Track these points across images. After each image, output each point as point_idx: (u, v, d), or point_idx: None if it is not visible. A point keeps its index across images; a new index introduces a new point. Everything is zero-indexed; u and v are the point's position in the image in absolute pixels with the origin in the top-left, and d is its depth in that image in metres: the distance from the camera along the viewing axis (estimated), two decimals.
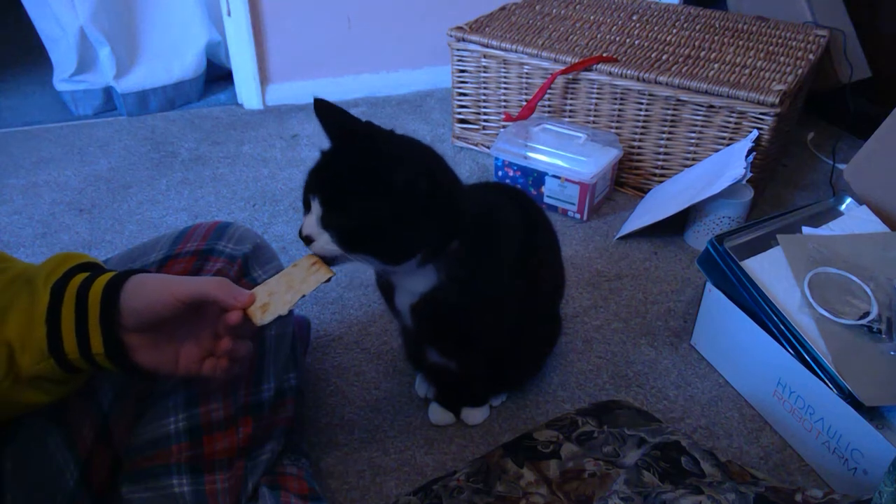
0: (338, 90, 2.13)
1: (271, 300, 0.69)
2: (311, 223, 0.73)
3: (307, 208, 0.74)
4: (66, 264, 0.64)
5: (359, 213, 0.71)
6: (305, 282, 0.71)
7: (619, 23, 1.76)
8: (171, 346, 0.66)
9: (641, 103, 1.54)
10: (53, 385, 0.63)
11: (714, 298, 1.11)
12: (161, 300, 0.62)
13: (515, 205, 0.94)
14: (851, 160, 1.38)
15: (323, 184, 0.73)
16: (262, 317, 0.67)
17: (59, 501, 0.70)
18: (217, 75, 2.22)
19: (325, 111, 0.76)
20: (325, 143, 0.77)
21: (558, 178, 1.51)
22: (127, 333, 0.63)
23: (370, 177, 0.71)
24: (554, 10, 1.85)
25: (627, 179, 1.66)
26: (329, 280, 0.72)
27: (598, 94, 1.59)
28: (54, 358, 0.60)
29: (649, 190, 1.62)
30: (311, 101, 0.76)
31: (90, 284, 0.62)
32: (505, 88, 1.73)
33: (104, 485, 0.74)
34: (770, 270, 1.05)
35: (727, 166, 1.37)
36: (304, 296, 0.70)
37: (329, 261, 0.74)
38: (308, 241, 0.73)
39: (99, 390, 0.73)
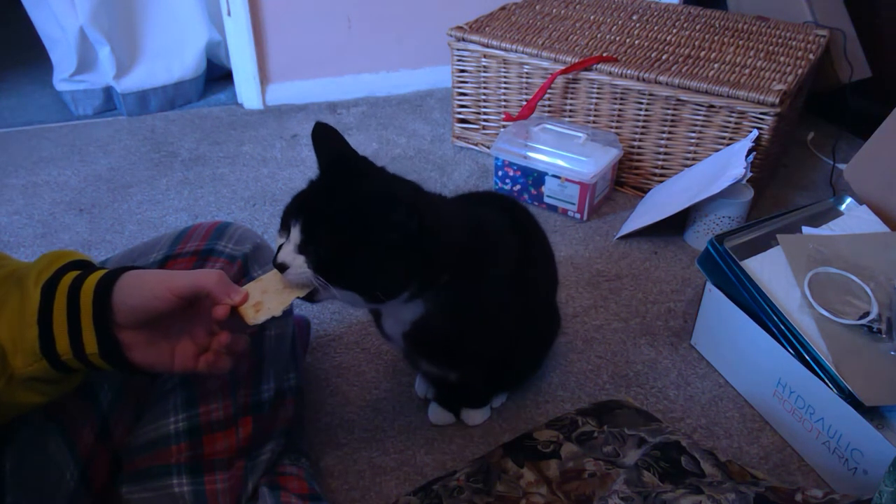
0: (338, 90, 2.12)
1: (264, 299, 0.67)
2: (287, 250, 0.68)
3: (285, 234, 0.70)
4: (57, 263, 0.63)
5: (341, 243, 0.68)
6: None
7: (619, 23, 1.76)
8: (167, 342, 0.65)
9: (641, 103, 1.54)
10: (48, 385, 0.62)
11: (714, 298, 1.11)
12: (156, 295, 0.61)
13: (503, 216, 0.92)
14: (851, 160, 1.38)
15: (306, 209, 0.69)
16: (254, 316, 0.65)
17: (59, 502, 0.70)
18: (217, 75, 2.22)
19: (324, 137, 0.74)
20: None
21: (558, 177, 1.51)
22: (122, 331, 0.62)
23: (357, 210, 0.68)
24: (554, 10, 1.85)
25: (627, 179, 1.66)
26: None
27: (598, 93, 1.59)
28: (47, 359, 0.59)
29: (649, 190, 1.62)
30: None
31: (81, 283, 0.61)
32: (505, 88, 1.73)
33: (104, 485, 0.74)
34: (770, 270, 1.05)
35: (727, 166, 1.37)
36: (299, 296, 0.69)
37: (310, 296, 0.69)
38: (282, 268, 0.68)
39: (99, 391, 0.73)
